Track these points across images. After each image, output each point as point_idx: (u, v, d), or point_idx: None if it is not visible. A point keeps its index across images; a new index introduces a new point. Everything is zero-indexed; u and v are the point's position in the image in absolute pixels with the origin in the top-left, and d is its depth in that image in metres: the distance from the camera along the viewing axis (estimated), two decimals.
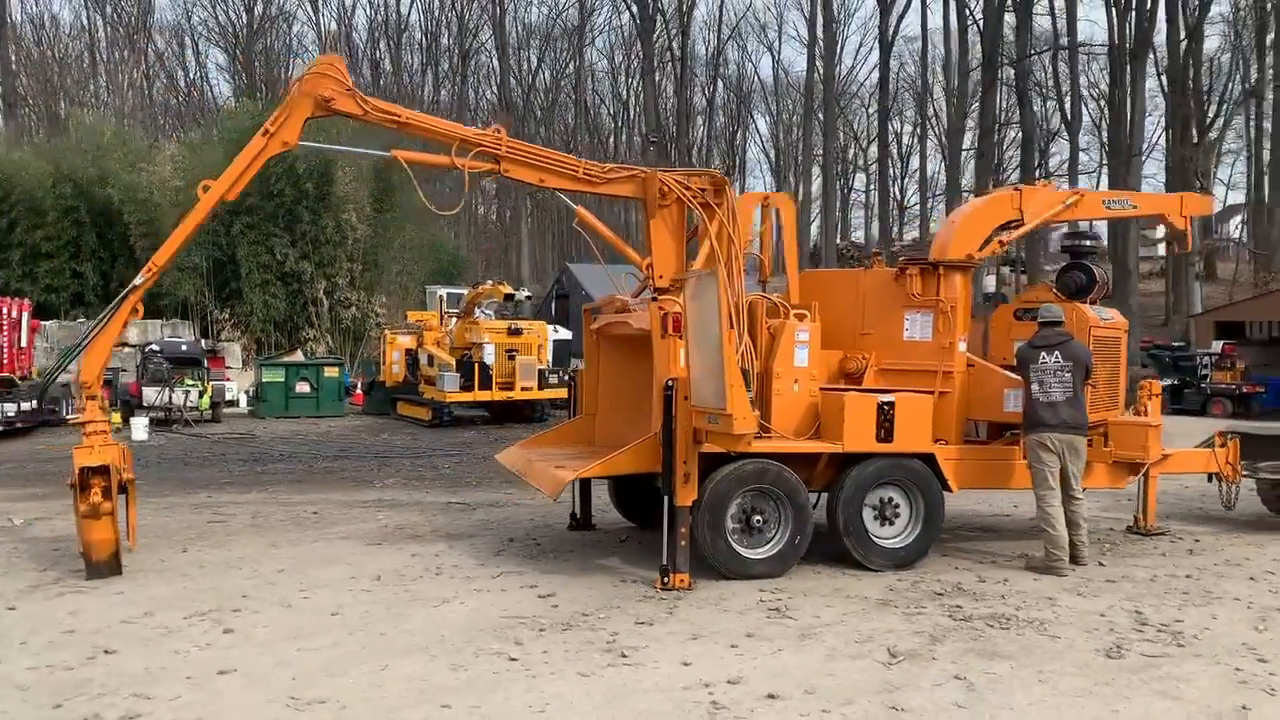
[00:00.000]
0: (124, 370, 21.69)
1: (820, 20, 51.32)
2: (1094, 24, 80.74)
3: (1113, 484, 8.89)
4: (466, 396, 19.91)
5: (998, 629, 6.25)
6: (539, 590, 7.08)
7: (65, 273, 30.23)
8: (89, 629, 6.14)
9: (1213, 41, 46.47)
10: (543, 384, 20.72)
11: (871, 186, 61.65)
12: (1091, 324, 8.51)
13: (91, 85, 56.98)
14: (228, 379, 23.55)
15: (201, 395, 20.25)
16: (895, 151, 61.88)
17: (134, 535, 7.80)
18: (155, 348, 21.03)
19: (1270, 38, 41.79)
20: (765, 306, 8.14)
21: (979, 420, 8.70)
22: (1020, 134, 46.67)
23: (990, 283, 34.30)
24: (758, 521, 7.48)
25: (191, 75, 61.42)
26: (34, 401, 17.58)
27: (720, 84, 63.93)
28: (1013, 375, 8.30)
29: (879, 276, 8.82)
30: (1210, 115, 45.96)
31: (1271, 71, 41.95)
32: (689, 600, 6.86)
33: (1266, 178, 45.59)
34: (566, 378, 9.65)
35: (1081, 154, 48.36)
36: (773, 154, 69.59)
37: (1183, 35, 40.14)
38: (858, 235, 64.08)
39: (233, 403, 23.65)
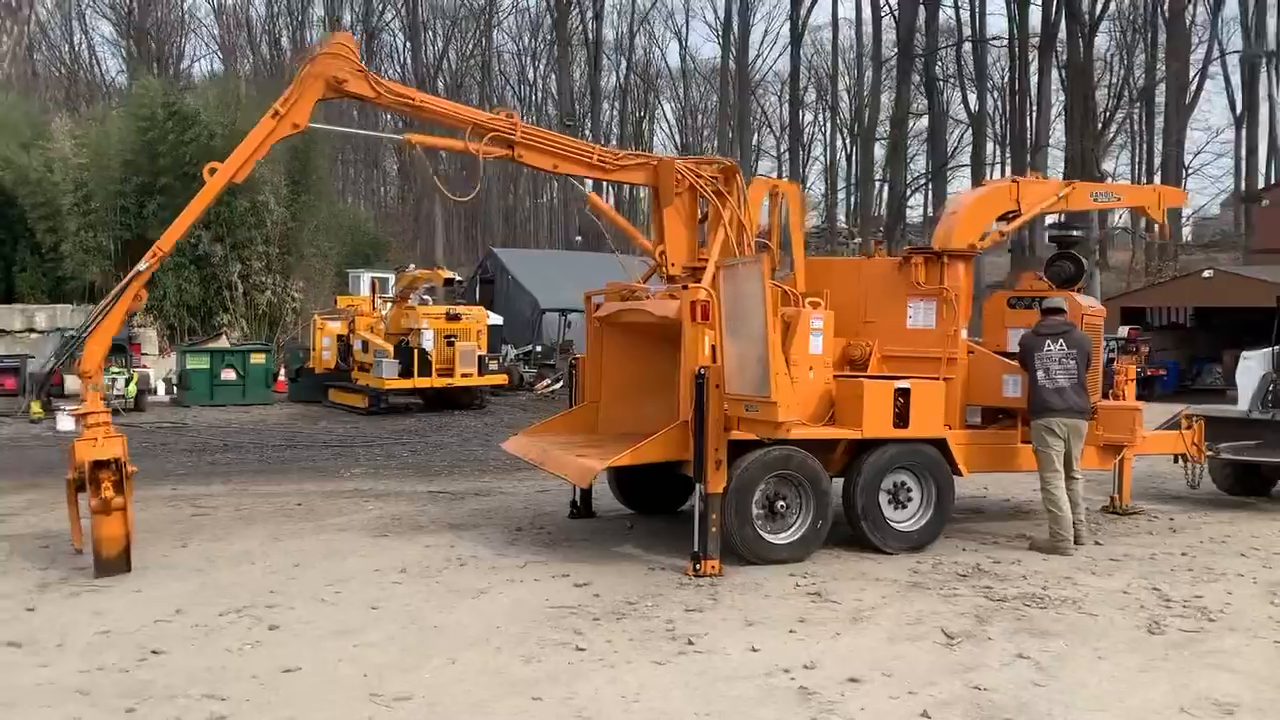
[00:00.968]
0: (31, 356, 20.70)
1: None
2: (998, 16, 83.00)
3: (1102, 465, 9.24)
4: (406, 383, 19.49)
5: (1036, 609, 6.46)
6: (573, 579, 7.04)
7: None
8: (125, 629, 5.88)
9: (1104, 39, 48.49)
10: (483, 370, 20.42)
11: (784, 174, 62.49)
12: (1084, 312, 8.81)
13: None
14: (145, 366, 22.59)
15: (128, 383, 19.35)
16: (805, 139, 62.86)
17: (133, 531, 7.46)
18: (75, 333, 20.03)
19: (1163, 38, 43.77)
20: (779, 295, 8.20)
21: (977, 405, 8.93)
22: (928, 125, 47.97)
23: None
24: (781, 507, 7.57)
25: (78, 48, 58.73)
26: None
27: (627, 68, 63.92)
28: (1010, 362, 8.56)
29: (882, 265, 8.99)
30: (1104, 110, 47.85)
31: (1161, 68, 43.95)
32: (726, 586, 6.90)
33: (1158, 176, 47.66)
34: (569, 364, 9.58)
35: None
36: (678, 139, 69.91)
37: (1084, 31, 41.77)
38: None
39: (152, 391, 22.70)
